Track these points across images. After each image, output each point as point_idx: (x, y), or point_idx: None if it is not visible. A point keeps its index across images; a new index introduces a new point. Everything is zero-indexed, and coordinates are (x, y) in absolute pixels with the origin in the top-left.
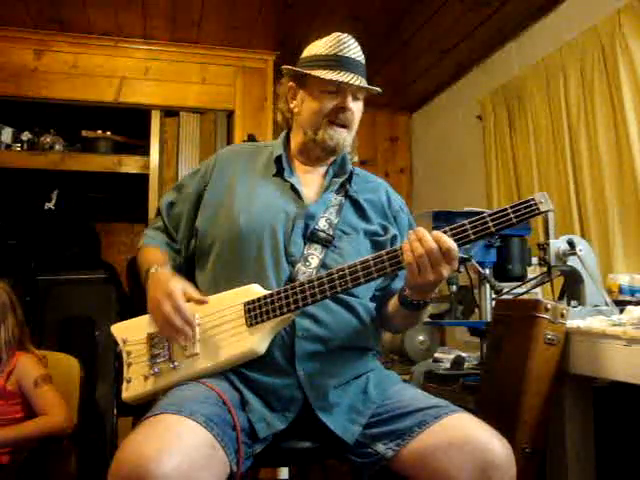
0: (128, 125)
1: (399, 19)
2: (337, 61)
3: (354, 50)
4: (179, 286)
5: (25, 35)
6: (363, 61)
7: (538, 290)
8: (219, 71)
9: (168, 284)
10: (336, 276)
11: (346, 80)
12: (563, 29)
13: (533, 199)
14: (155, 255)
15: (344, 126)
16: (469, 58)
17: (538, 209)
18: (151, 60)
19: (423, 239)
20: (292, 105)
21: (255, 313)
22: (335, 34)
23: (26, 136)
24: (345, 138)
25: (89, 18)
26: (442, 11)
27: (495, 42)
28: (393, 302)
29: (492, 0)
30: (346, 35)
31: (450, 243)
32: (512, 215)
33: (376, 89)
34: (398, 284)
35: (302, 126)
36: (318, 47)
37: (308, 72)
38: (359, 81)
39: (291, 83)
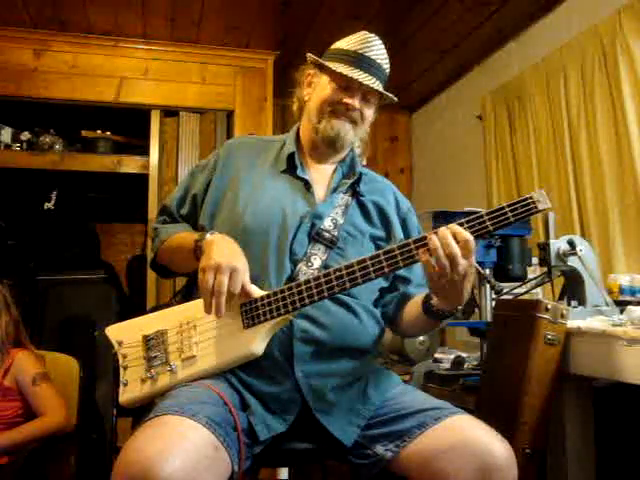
0: (128, 125)
1: (399, 19)
2: (355, 58)
3: (376, 52)
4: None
5: (25, 35)
6: (384, 65)
7: (538, 290)
8: (219, 71)
9: (239, 250)
10: (333, 276)
11: (355, 77)
12: (563, 29)
13: (531, 197)
14: (194, 233)
15: (349, 120)
16: (469, 58)
17: (536, 207)
18: (151, 60)
19: (445, 243)
20: (305, 92)
21: (252, 315)
22: (363, 32)
23: (26, 136)
24: (348, 132)
25: (89, 18)
26: (442, 11)
27: (495, 42)
28: (412, 309)
29: (492, 0)
30: (373, 36)
31: (467, 235)
32: (510, 214)
33: (390, 95)
34: (413, 289)
35: (309, 114)
36: (344, 42)
37: (325, 63)
38: (372, 82)
39: (310, 71)
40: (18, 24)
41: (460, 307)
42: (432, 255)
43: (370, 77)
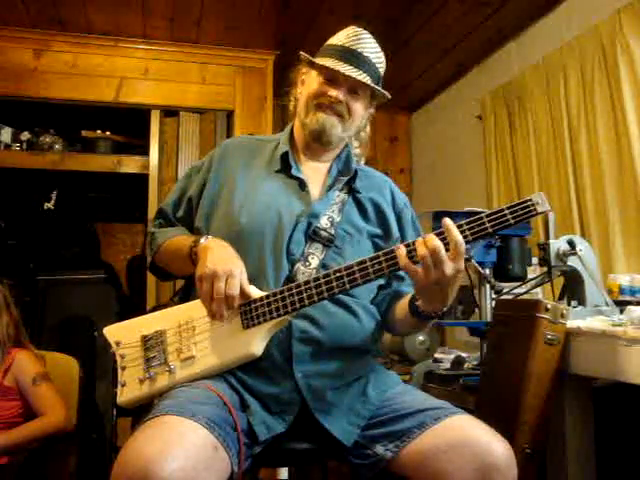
0: (128, 125)
1: (399, 19)
2: (341, 52)
3: (364, 45)
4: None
5: (25, 35)
6: (375, 59)
7: (538, 290)
8: (219, 71)
9: (234, 253)
10: (333, 277)
11: (337, 69)
12: (563, 29)
13: (530, 200)
14: (190, 236)
15: (334, 114)
16: (469, 58)
17: (535, 210)
18: (151, 60)
19: (426, 239)
20: (298, 91)
21: (251, 315)
22: (351, 27)
23: (25, 136)
24: (334, 126)
25: (89, 18)
26: (442, 11)
27: (495, 42)
28: (402, 308)
29: (492, 0)
30: (362, 31)
31: (458, 237)
32: (510, 216)
33: (380, 89)
34: (406, 287)
35: (298, 111)
36: (334, 38)
37: (313, 59)
38: (358, 74)
39: (303, 69)
40: (18, 24)
41: (445, 308)
42: (415, 251)
43: (357, 70)
